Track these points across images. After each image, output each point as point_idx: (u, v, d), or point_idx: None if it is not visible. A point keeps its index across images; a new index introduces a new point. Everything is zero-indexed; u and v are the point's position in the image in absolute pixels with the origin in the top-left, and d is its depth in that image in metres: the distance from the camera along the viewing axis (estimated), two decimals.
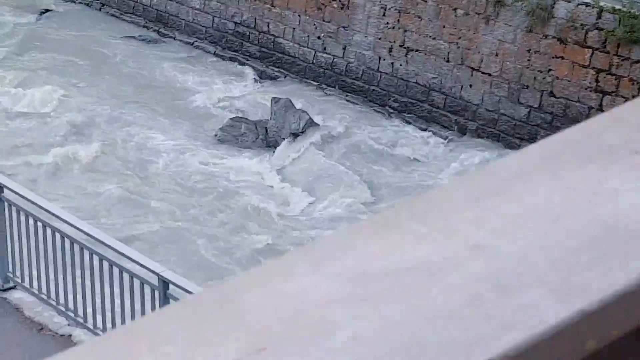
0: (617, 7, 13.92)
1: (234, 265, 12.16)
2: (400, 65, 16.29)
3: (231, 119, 15.85)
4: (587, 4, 14.22)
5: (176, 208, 13.46)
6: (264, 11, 17.78)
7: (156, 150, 15.01)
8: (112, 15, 19.57)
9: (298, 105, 16.10)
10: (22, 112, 15.82)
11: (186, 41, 18.64)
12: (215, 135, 15.50)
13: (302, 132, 15.47)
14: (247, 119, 15.88)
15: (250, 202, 13.80)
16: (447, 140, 15.51)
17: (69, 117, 15.68)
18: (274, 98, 16.08)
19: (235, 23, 18.19)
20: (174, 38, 18.79)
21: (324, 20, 17.05)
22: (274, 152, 15.20)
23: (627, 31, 13.71)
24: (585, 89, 14.36)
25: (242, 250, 12.69)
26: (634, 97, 13.91)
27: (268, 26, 17.79)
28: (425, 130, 15.87)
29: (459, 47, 15.58)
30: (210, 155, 15.05)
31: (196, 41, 18.60)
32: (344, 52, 16.93)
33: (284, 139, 15.40)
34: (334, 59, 17.06)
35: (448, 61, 15.74)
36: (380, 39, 16.45)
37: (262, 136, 15.51)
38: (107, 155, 14.71)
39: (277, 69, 17.67)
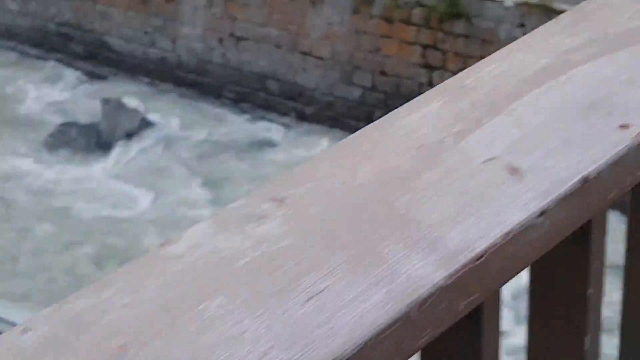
0: None
1: (78, 283, 11.74)
2: (232, 55, 16.02)
3: (60, 124, 15.31)
4: None
5: None
6: (86, 10, 17.22)
7: None
8: None
9: (130, 105, 15.67)
10: None
11: (7, 46, 17.92)
12: (44, 143, 14.94)
13: (136, 132, 15.06)
14: (77, 123, 15.36)
15: (84, 209, 13.35)
16: (284, 126, 15.36)
17: None
18: (104, 99, 15.60)
19: (57, 24, 17.57)
20: None
21: (149, 15, 16.62)
22: (108, 155, 14.75)
23: (448, 6, 13.80)
24: (414, 65, 14.41)
25: (81, 263, 12.27)
26: (460, 70, 14.00)
27: (92, 24, 17.24)
28: (263, 118, 15.68)
29: (289, 33, 15.41)
30: (38, 164, 14.48)
31: (17, 45, 17.89)
32: (173, 46, 16.55)
33: (118, 141, 14.96)
34: (164, 53, 16.67)
35: (279, 47, 15.55)
36: (209, 29, 16.14)
37: (94, 140, 15.04)
38: None
39: (105, 68, 17.16)
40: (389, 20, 14.49)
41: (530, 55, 1.43)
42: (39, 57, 17.58)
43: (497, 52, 1.46)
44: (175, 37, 16.50)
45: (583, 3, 1.58)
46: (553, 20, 1.52)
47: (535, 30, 1.53)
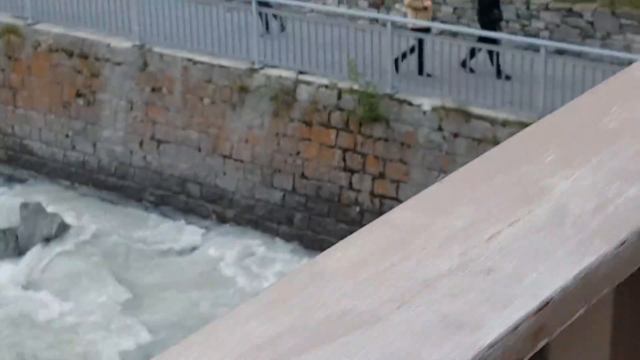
0: (355, 87, 14.15)
1: None
2: (153, 158, 15.99)
3: None
4: (326, 86, 14.40)
5: None
6: (7, 113, 17.13)
7: None
8: None
9: (50, 208, 15.50)
10: None
11: None
12: None
13: (55, 237, 14.86)
14: None
15: None
16: (205, 229, 15.27)
17: None
18: (23, 203, 15.40)
19: None
20: None
21: (70, 118, 16.57)
22: (22, 260, 14.50)
23: (367, 110, 13.95)
24: (335, 168, 14.48)
25: None
26: (380, 173, 14.12)
27: (13, 128, 17.13)
28: (183, 221, 15.58)
29: (209, 136, 15.44)
30: None
31: None
32: (94, 149, 16.48)
33: (35, 245, 14.74)
34: (84, 156, 16.58)
35: (200, 150, 15.56)
36: (130, 133, 16.12)
37: (12, 244, 14.79)
38: None
39: (26, 171, 17.01)
40: (308, 123, 14.60)
41: None
42: None
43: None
44: (95, 140, 16.45)
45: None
46: None
47: None
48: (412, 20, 14.96)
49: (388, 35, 14.34)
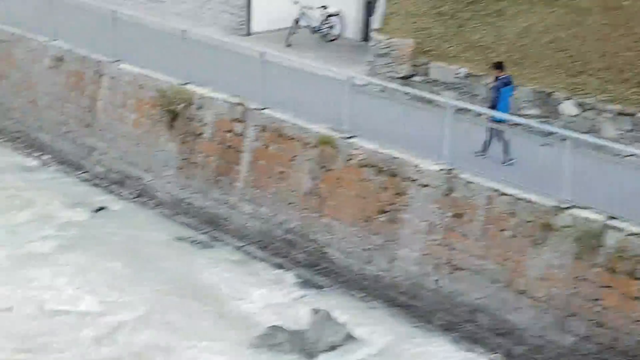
0: None
1: None
2: (446, 283, 15.93)
3: (269, 327, 15.50)
4: (637, 234, 13.84)
5: None
6: (312, 220, 17.70)
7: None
8: (165, 215, 19.67)
9: (339, 318, 15.75)
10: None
11: (236, 245, 18.58)
12: (249, 344, 15.13)
13: (339, 346, 15.05)
14: (285, 328, 15.51)
15: None
16: None
17: (108, 319, 15.55)
18: (314, 309, 15.78)
19: (284, 230, 18.11)
20: (224, 242, 18.74)
21: (371, 232, 16.87)
22: None
23: None
24: (636, 321, 13.78)
25: None
26: None
27: (316, 235, 17.66)
28: (470, 351, 15.33)
29: (505, 269, 15.21)
30: None
31: (245, 245, 18.52)
32: (390, 266, 16.65)
33: (320, 352, 14.98)
34: (380, 272, 16.78)
35: (494, 282, 15.35)
36: (426, 254, 16.18)
37: (298, 347, 15.11)
38: None
39: (322, 278, 17.42)
40: (612, 270, 14.05)
41: None
42: (262, 259, 18.10)
43: None
44: (392, 257, 16.62)
45: None
46: None
47: None
48: None
49: None
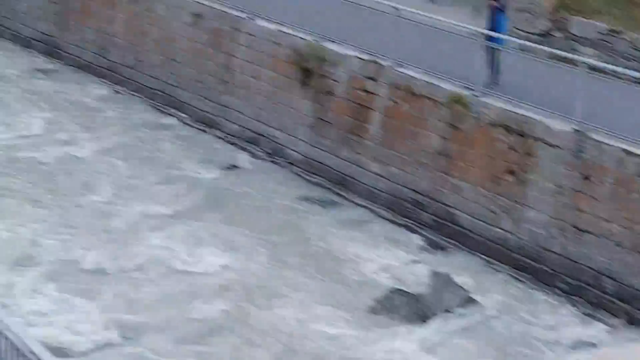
0: None
1: None
2: (572, 246, 15.36)
3: (389, 290, 15.26)
4: None
5: None
6: (440, 180, 17.37)
7: (301, 323, 14.60)
8: (298, 174, 19.66)
9: (461, 281, 15.42)
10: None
11: (362, 205, 18.43)
12: (367, 308, 14.91)
13: (456, 309, 14.74)
14: (404, 290, 15.25)
15: None
16: (611, 328, 14.36)
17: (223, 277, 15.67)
18: (434, 272, 15.50)
19: (412, 190, 17.84)
20: (352, 202, 18.61)
21: (498, 194, 16.42)
22: (424, 327, 14.47)
23: None
24: None
25: None
26: None
27: (444, 196, 17.33)
28: (590, 315, 14.77)
29: (633, 232, 14.54)
30: (359, 329, 14.41)
31: (371, 204, 18.35)
32: (516, 228, 16.17)
33: (437, 314, 14.70)
34: (506, 234, 16.33)
35: (620, 246, 14.70)
36: (553, 217, 15.63)
37: (415, 310, 14.86)
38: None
39: (447, 240, 17.10)
40: None
41: None
42: (389, 220, 17.89)
43: None
44: (519, 219, 16.14)
45: None
46: None
47: None
48: None
49: None
